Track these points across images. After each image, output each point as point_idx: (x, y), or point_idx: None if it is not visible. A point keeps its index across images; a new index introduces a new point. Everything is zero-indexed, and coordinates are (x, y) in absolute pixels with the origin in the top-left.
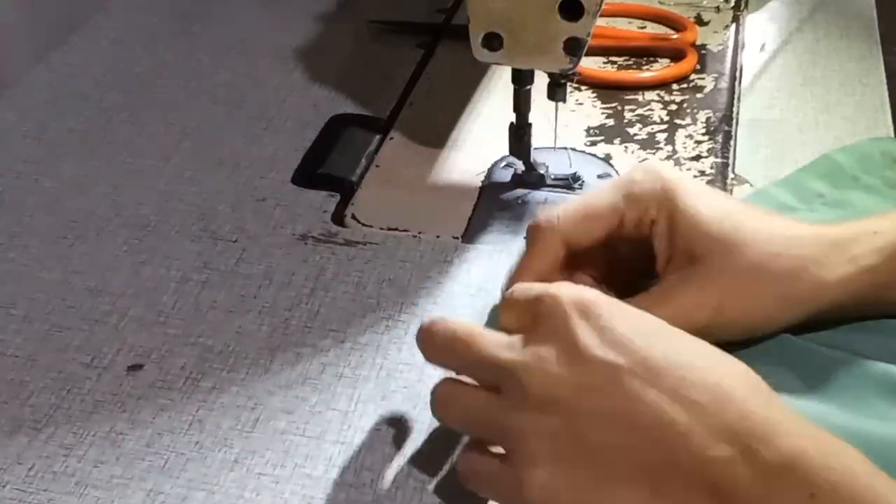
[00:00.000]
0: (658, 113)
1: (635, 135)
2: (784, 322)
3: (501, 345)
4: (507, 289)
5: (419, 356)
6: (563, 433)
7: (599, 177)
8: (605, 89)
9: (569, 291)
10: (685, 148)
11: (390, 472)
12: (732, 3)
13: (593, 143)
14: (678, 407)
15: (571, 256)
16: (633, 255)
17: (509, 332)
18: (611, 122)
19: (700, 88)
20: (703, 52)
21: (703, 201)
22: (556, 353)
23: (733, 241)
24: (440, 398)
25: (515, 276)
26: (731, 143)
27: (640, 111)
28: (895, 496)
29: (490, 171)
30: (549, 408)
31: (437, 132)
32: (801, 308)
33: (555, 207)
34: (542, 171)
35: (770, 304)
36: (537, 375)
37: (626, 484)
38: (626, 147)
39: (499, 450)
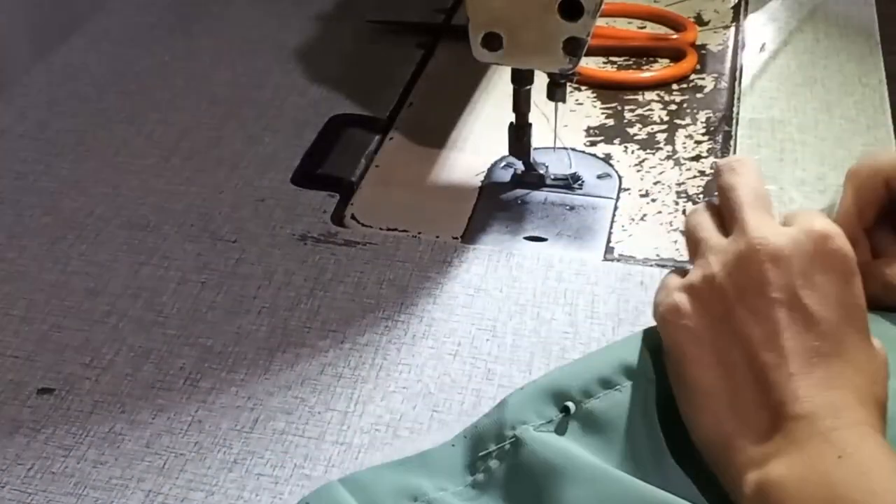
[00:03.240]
0: (658, 113)
1: (635, 135)
2: None
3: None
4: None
5: (418, 356)
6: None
7: (599, 177)
8: (605, 89)
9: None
10: (685, 148)
11: None
12: (732, 3)
13: (593, 143)
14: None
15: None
16: None
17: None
18: (611, 122)
19: (700, 88)
20: (703, 52)
21: None
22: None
23: None
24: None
25: (839, 220)
26: (731, 143)
27: (640, 111)
28: None
29: (490, 171)
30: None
31: (436, 132)
32: None
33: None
34: (541, 171)
35: None
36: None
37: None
38: (625, 147)
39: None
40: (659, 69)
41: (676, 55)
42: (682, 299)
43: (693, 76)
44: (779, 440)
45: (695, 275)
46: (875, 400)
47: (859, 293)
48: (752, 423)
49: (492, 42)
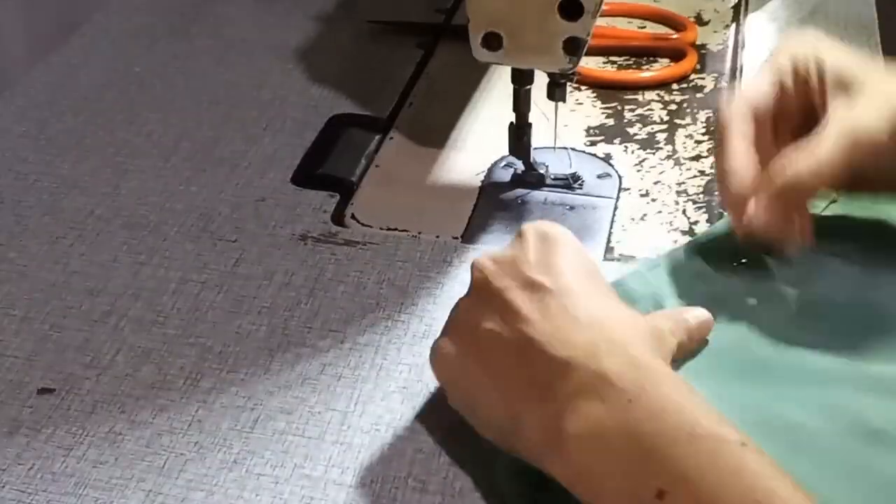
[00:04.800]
0: (658, 113)
1: (635, 135)
2: None
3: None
4: (721, 176)
5: (418, 356)
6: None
7: (599, 177)
8: (605, 89)
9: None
10: (685, 148)
11: (390, 473)
12: (732, 3)
13: (593, 143)
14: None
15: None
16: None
17: None
18: (611, 121)
19: (700, 88)
20: (703, 52)
21: (842, 51)
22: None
23: (875, 64)
24: None
25: (724, 158)
26: None
27: (640, 111)
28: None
29: (490, 171)
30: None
31: (437, 132)
32: None
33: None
34: (541, 171)
35: None
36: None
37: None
38: (625, 147)
39: None
40: (659, 69)
41: (676, 55)
42: (441, 340)
43: (693, 76)
44: (564, 396)
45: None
46: (648, 336)
47: (587, 260)
48: (536, 397)
49: (492, 42)
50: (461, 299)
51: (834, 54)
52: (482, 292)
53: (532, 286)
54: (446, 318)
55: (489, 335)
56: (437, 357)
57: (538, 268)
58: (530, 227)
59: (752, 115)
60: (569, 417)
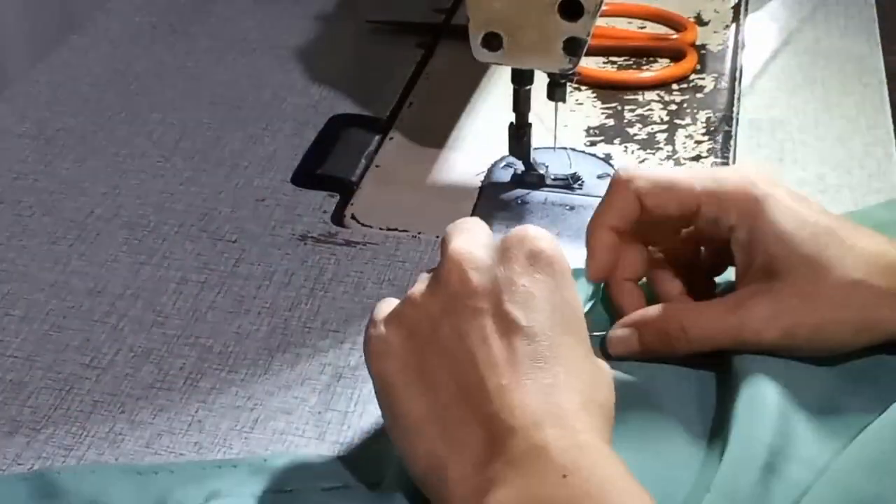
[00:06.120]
0: (658, 113)
1: (635, 135)
2: (858, 345)
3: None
4: (587, 236)
5: None
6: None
7: (599, 177)
8: (605, 89)
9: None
10: (685, 148)
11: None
12: (732, 3)
13: (593, 143)
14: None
15: (649, 230)
16: (710, 255)
17: None
18: (611, 122)
19: (700, 88)
20: (703, 52)
21: (791, 215)
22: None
23: (817, 263)
24: None
25: (591, 224)
26: (731, 143)
27: (640, 111)
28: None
29: (490, 171)
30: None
31: (436, 132)
32: (879, 335)
33: (638, 166)
34: (541, 171)
35: (846, 332)
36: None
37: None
38: (625, 147)
39: None
40: (659, 69)
41: (676, 55)
42: (386, 329)
43: (693, 76)
44: (498, 464)
45: (401, 303)
46: (599, 406)
47: (573, 297)
48: (469, 447)
49: (492, 42)
50: (422, 294)
51: (776, 224)
52: (452, 301)
53: (505, 320)
54: None
55: (441, 353)
56: (376, 348)
57: (519, 298)
58: (521, 241)
59: (612, 230)
60: (498, 490)
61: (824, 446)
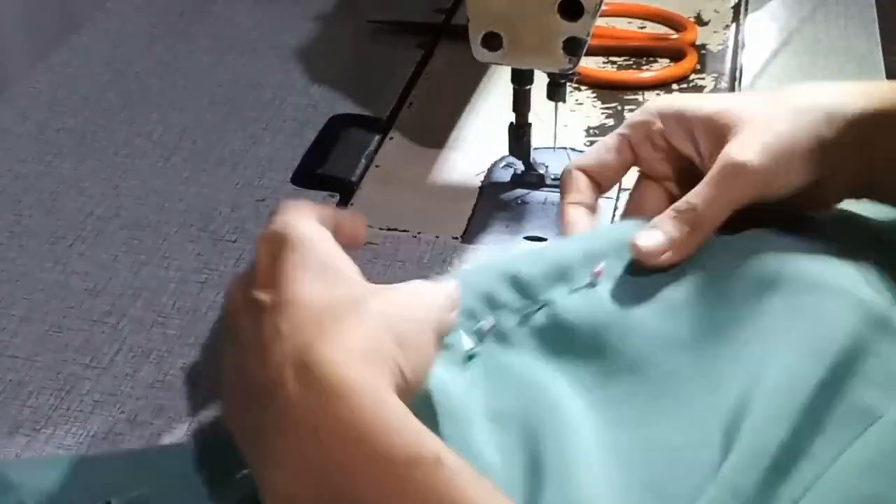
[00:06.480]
0: None
1: None
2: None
3: None
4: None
5: None
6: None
7: None
8: (605, 89)
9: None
10: None
11: None
12: (732, 3)
13: (593, 143)
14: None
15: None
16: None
17: None
18: (611, 122)
19: (700, 88)
20: (703, 52)
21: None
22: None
23: (765, 111)
24: None
25: (560, 218)
26: None
27: None
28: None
29: (490, 171)
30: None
31: (436, 132)
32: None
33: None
34: (541, 171)
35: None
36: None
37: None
38: None
39: None
40: (659, 69)
41: (676, 55)
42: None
43: (693, 76)
44: (264, 440)
45: None
46: (385, 350)
47: (326, 249)
48: (248, 431)
49: (492, 42)
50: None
51: (697, 104)
52: (226, 316)
53: (252, 305)
54: None
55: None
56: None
57: (264, 283)
58: (264, 238)
59: (585, 182)
60: (270, 472)
61: (837, 442)
